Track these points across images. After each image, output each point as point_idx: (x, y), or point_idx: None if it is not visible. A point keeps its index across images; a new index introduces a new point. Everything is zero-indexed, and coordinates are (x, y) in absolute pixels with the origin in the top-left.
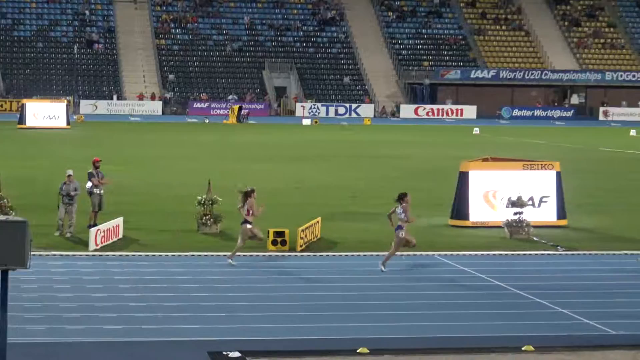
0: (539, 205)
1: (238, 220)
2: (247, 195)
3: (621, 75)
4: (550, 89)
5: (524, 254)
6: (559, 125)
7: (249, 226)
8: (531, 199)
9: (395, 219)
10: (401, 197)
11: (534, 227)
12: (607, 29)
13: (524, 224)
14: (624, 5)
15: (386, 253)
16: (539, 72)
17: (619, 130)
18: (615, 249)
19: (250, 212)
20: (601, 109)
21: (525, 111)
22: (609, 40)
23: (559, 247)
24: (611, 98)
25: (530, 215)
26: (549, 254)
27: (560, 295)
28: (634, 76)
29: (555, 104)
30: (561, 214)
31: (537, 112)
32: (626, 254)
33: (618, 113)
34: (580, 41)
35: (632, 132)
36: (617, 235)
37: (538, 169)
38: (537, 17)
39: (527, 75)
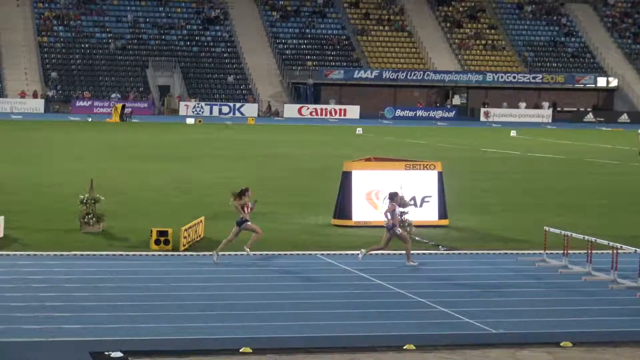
0: (421, 205)
1: (119, 220)
2: (242, 194)
3: (502, 77)
4: (433, 89)
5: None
6: (441, 125)
7: (249, 224)
8: (413, 198)
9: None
10: (392, 197)
11: (416, 226)
12: (488, 31)
13: (406, 224)
14: (505, 7)
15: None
16: (422, 72)
17: (500, 130)
18: (496, 248)
19: (247, 210)
20: (482, 109)
21: (408, 111)
22: (489, 42)
23: (440, 247)
24: (492, 99)
25: (413, 215)
26: (430, 254)
27: (442, 294)
28: (514, 77)
29: (437, 105)
30: (443, 214)
31: (420, 113)
32: (506, 253)
33: (499, 114)
34: (461, 42)
35: (513, 133)
36: (498, 234)
37: (420, 169)
38: (420, 18)
39: (410, 76)
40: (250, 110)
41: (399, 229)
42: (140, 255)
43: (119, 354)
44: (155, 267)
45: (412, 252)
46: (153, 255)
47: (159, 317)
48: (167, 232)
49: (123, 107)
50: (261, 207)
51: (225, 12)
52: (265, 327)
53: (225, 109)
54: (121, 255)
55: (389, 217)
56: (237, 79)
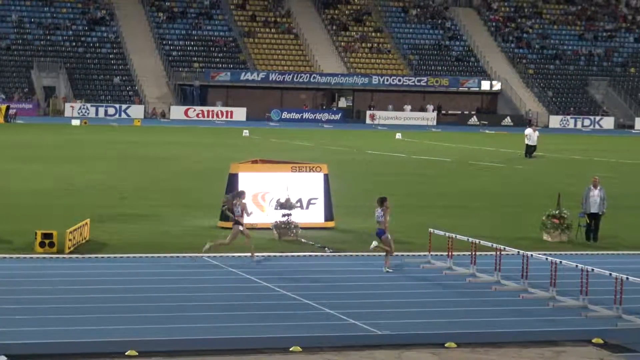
0: (307, 207)
1: (2, 222)
2: (238, 196)
3: (387, 80)
4: (319, 92)
5: (293, 255)
6: (327, 128)
7: (240, 227)
8: (299, 200)
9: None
10: (382, 201)
11: (302, 228)
12: (373, 34)
13: (293, 226)
14: (390, 11)
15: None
16: (308, 75)
17: (386, 133)
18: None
19: (244, 213)
20: (368, 112)
21: (295, 114)
22: (375, 45)
23: (326, 249)
24: (378, 102)
25: (299, 217)
26: (316, 255)
27: (328, 296)
28: (399, 80)
29: (324, 107)
30: (329, 216)
31: (306, 115)
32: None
33: (384, 116)
34: (347, 45)
35: (398, 136)
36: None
37: (306, 171)
38: (306, 21)
39: (296, 78)
40: (136, 111)
41: (388, 234)
42: (25, 258)
43: (3, 358)
44: (40, 270)
45: (300, 254)
46: (38, 257)
47: (44, 320)
48: (52, 234)
49: (7, 108)
50: (147, 209)
51: (111, 13)
52: (152, 329)
53: (111, 111)
54: (4, 258)
55: (382, 220)
56: (123, 80)
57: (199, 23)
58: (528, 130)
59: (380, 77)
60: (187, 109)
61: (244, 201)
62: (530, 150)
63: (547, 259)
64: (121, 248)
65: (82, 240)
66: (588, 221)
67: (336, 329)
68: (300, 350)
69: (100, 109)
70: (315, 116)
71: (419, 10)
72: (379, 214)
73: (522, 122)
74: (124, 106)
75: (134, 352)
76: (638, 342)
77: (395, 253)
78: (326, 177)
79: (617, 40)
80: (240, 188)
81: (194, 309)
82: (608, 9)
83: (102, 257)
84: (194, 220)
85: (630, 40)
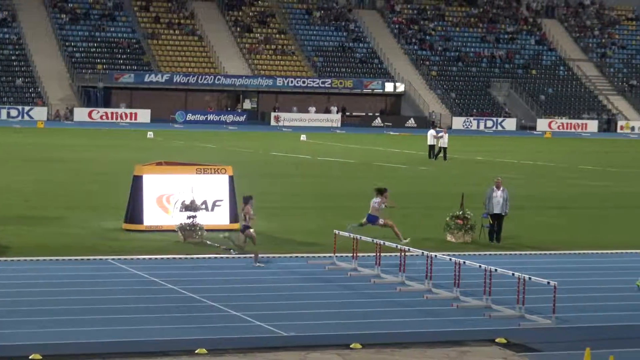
0: (212, 209)
1: None
2: (244, 201)
3: (292, 81)
4: (223, 93)
5: (198, 258)
6: (232, 129)
7: (252, 231)
8: (204, 202)
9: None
10: (381, 192)
11: (207, 230)
12: (277, 36)
13: (197, 228)
14: (294, 13)
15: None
16: (212, 77)
17: (290, 135)
18: (286, 252)
19: (247, 217)
20: (273, 114)
21: (199, 115)
22: (279, 47)
23: (231, 251)
24: (282, 103)
25: (204, 219)
26: (222, 257)
27: (233, 298)
28: (304, 82)
29: (228, 109)
30: (234, 218)
31: (211, 117)
32: (297, 256)
33: (289, 118)
34: (251, 47)
35: (303, 137)
36: (288, 238)
37: (211, 173)
38: (210, 23)
39: (201, 80)
40: (39, 113)
41: (381, 220)
42: None
43: None
44: None
45: (203, 256)
46: None
47: None
48: None
49: None
50: (51, 212)
51: (13, 14)
52: (56, 332)
53: (13, 113)
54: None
55: (379, 207)
56: (25, 82)
57: (102, 25)
58: (439, 133)
59: (284, 79)
60: (91, 111)
61: (247, 206)
62: (443, 152)
63: (450, 259)
64: (25, 251)
65: None
66: (491, 222)
67: (242, 330)
68: (206, 352)
69: (2, 110)
70: (219, 118)
71: (322, 12)
72: (375, 201)
73: (425, 123)
74: (26, 108)
75: (37, 356)
76: (540, 341)
77: (300, 255)
78: (231, 178)
79: (519, 43)
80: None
81: (98, 312)
82: (509, 12)
83: (5, 260)
84: (98, 222)
85: (531, 42)
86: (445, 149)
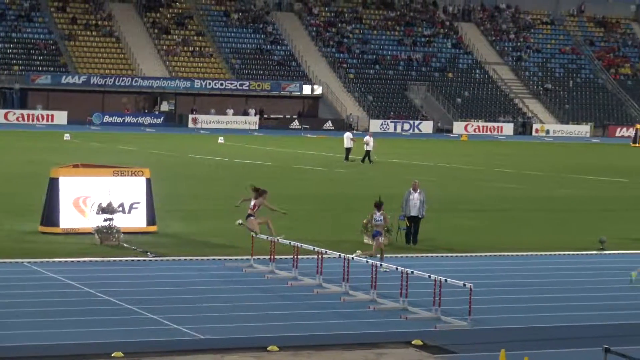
0: (129, 212)
1: None
2: (258, 192)
3: (210, 83)
4: (141, 95)
5: (115, 260)
6: (150, 132)
7: (252, 218)
8: (121, 205)
9: (372, 227)
10: (379, 205)
11: (125, 233)
12: (195, 38)
13: (114, 230)
14: (212, 15)
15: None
16: (130, 78)
17: (208, 137)
18: (203, 254)
19: (256, 207)
20: (190, 116)
21: (116, 117)
22: (197, 49)
23: (149, 253)
24: (200, 106)
25: (121, 221)
26: (139, 260)
27: (150, 301)
28: (222, 84)
29: (146, 111)
30: (151, 220)
31: (128, 119)
32: (214, 259)
33: (207, 120)
34: (169, 49)
35: (221, 140)
36: (206, 241)
37: (128, 175)
38: (128, 24)
39: (118, 82)
40: None
41: (382, 237)
42: None
43: None
44: None
45: (120, 259)
46: None
47: None
48: None
49: None
50: None
51: None
52: None
53: None
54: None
55: (383, 223)
56: None
57: (19, 25)
58: (365, 137)
59: (202, 81)
60: (7, 113)
61: (260, 198)
62: (367, 155)
63: (367, 261)
64: None
65: None
66: (408, 224)
67: (159, 334)
68: (122, 355)
69: None
70: (137, 120)
71: (240, 14)
72: (377, 217)
73: (343, 126)
74: None
75: None
76: (456, 343)
77: (217, 257)
78: (148, 181)
79: (435, 46)
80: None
81: (12, 315)
82: (426, 15)
83: None
84: (14, 225)
85: (447, 45)
86: (369, 151)
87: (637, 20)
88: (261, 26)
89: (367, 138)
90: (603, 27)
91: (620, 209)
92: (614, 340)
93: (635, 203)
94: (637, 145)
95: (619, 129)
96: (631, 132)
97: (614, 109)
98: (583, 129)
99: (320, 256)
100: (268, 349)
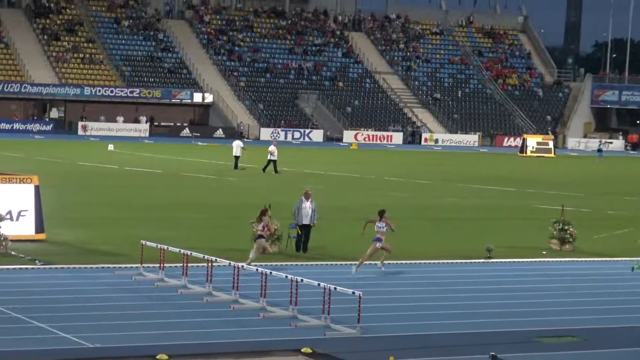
0: (17, 219)
1: None
2: (262, 212)
3: (100, 90)
4: (30, 102)
5: (2, 269)
6: (39, 139)
7: (263, 240)
8: (9, 212)
9: (371, 232)
10: (382, 213)
11: (12, 241)
12: (86, 44)
13: (2, 238)
14: (102, 22)
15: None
16: (19, 85)
17: (98, 144)
18: (92, 262)
19: (265, 228)
20: (80, 123)
21: (5, 124)
22: (87, 55)
23: (37, 261)
24: (90, 113)
25: (8, 229)
26: (27, 268)
27: (39, 309)
28: (112, 91)
29: (35, 118)
30: (39, 228)
31: (17, 126)
32: (104, 267)
33: (97, 127)
34: (59, 55)
35: (111, 147)
36: (96, 248)
37: (16, 182)
38: (17, 30)
39: (7, 88)
40: None
41: (380, 243)
42: None
43: None
44: None
45: (7, 267)
46: None
47: None
48: None
49: None
50: None
51: None
52: None
53: None
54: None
55: (385, 230)
56: None
57: None
58: (270, 146)
59: (92, 88)
60: None
61: (266, 217)
62: (273, 164)
63: (257, 269)
64: None
65: None
66: (300, 232)
67: (47, 343)
68: None
69: None
70: (26, 127)
71: (131, 21)
72: (380, 225)
73: (233, 134)
74: None
75: None
76: (345, 350)
77: (106, 265)
78: (37, 188)
79: (326, 55)
80: None
81: None
82: (317, 24)
83: None
84: None
85: (338, 55)
86: (274, 161)
87: (524, 31)
88: (152, 33)
89: (271, 148)
90: (491, 38)
91: (508, 218)
92: (502, 348)
93: (522, 212)
94: (524, 155)
95: (506, 139)
96: (518, 142)
97: (502, 119)
98: (471, 139)
99: (210, 264)
100: (157, 357)
